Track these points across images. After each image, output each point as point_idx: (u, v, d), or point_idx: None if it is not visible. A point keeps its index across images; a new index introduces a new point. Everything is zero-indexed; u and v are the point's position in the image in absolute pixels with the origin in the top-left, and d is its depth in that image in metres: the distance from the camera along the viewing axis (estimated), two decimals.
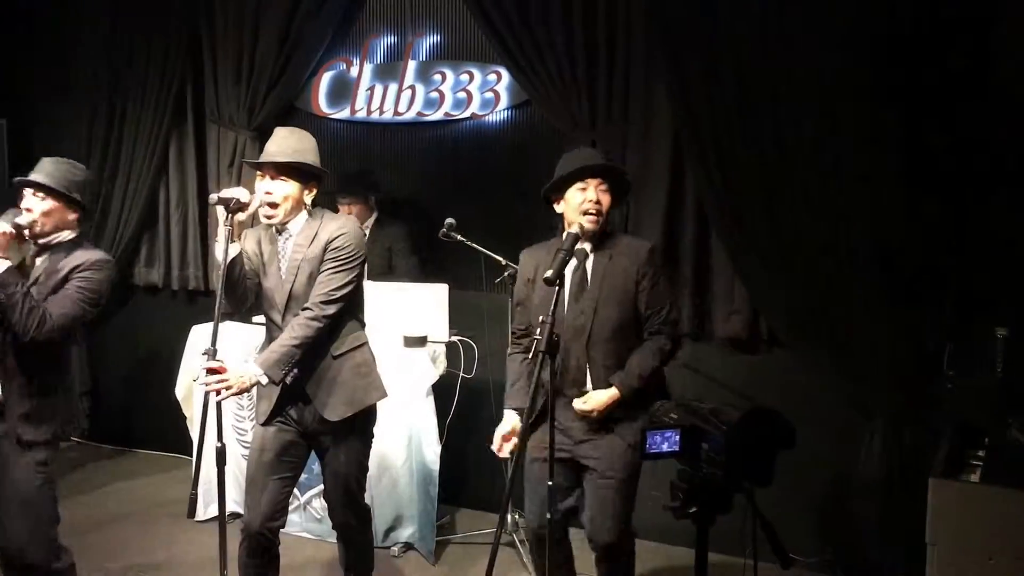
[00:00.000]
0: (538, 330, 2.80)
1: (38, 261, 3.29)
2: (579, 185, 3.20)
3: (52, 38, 5.88)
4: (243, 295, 3.27)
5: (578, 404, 3.16)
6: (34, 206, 3.24)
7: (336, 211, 4.43)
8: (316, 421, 3.29)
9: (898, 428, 3.96)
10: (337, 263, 3.20)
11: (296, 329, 3.16)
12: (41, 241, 3.28)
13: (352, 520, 3.47)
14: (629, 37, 4.42)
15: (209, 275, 5.63)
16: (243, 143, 5.34)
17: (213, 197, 3.13)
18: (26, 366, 3.21)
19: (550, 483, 2.81)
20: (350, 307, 3.32)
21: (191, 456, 4.97)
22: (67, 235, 3.30)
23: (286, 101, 5.23)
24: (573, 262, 3.12)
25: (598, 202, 3.18)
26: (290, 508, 4.41)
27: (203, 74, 5.47)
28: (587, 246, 3.21)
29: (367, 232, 4.78)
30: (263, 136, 5.20)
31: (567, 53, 4.49)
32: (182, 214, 5.66)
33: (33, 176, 3.27)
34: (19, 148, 5.88)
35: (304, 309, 3.19)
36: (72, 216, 3.32)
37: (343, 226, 3.27)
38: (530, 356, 2.79)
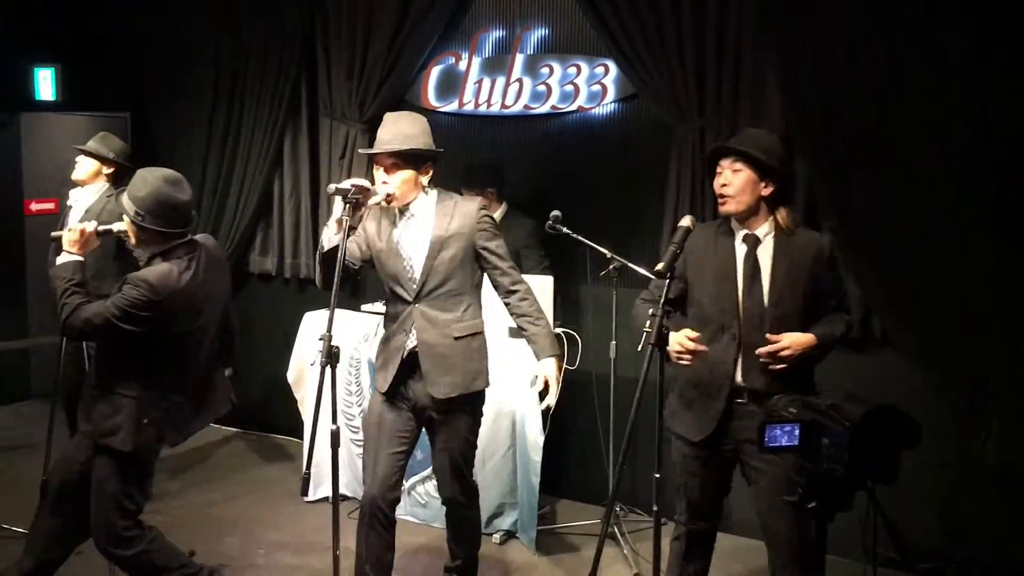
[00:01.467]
0: (647, 323, 2.80)
1: None
2: (718, 170, 3.10)
3: (174, 36, 6.14)
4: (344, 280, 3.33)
5: (765, 349, 2.94)
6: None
7: None
8: (426, 397, 3.41)
9: (1013, 430, 3.81)
10: (493, 232, 3.38)
11: (534, 309, 3.44)
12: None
13: (460, 495, 3.55)
14: (740, 26, 4.36)
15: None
16: (354, 135, 5.48)
17: (331, 188, 3.23)
18: (99, 375, 3.37)
19: (656, 475, 2.82)
20: (477, 293, 3.47)
21: (301, 438, 5.16)
22: (155, 250, 3.35)
23: (396, 95, 5.34)
24: (744, 249, 3.05)
25: (725, 185, 3.05)
26: None
27: (317, 70, 5.63)
28: (759, 233, 3.06)
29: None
30: (373, 129, 5.34)
31: (676, 44, 4.45)
32: (295, 205, 5.84)
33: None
34: (142, 141, 6.16)
35: (512, 290, 3.43)
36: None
37: (482, 206, 3.43)
38: (640, 348, 2.79)
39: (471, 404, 3.47)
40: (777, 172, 3.04)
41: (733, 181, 3.03)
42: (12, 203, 6.63)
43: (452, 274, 3.37)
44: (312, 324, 4.87)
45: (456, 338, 3.39)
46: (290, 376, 5.00)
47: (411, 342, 3.40)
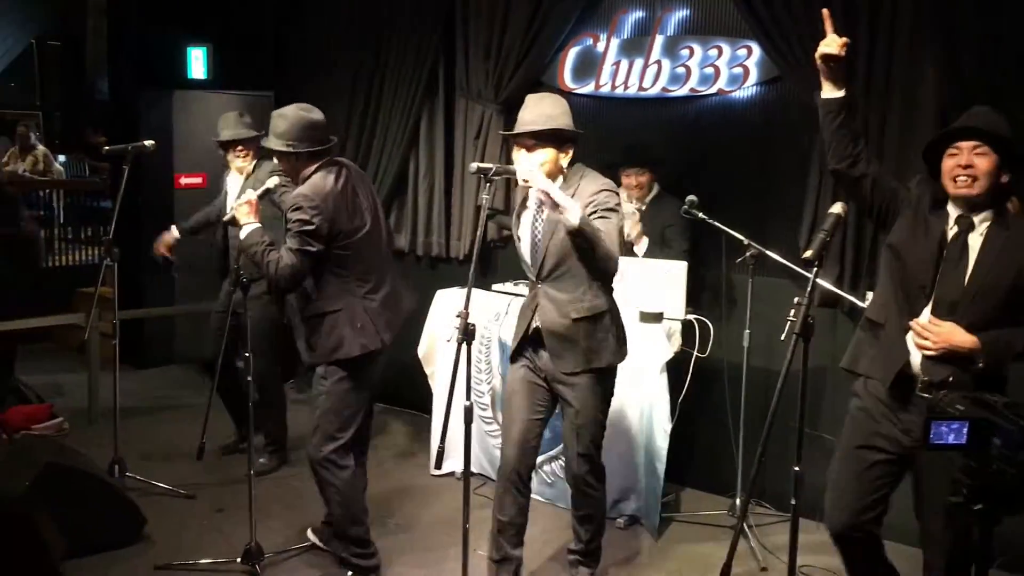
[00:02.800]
0: (791, 312, 2.73)
1: None
2: (950, 150, 2.88)
3: (319, 16, 6.31)
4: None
5: (916, 323, 2.83)
6: None
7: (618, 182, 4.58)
8: (554, 371, 3.47)
9: None
10: (599, 212, 3.28)
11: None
12: None
13: (587, 475, 3.56)
14: (895, 4, 4.17)
15: (451, 243, 5.89)
16: (489, 116, 5.52)
17: (473, 166, 3.27)
18: (302, 307, 3.68)
19: (796, 468, 2.75)
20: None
21: (428, 413, 5.27)
22: (306, 174, 3.66)
23: (532, 76, 5.34)
24: (954, 230, 2.86)
25: (968, 167, 2.82)
26: None
27: (455, 50, 5.70)
28: (976, 218, 2.86)
29: (644, 206, 4.77)
30: (509, 110, 5.40)
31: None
32: (429, 184, 5.93)
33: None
34: None
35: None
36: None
37: (604, 184, 3.36)
38: (783, 337, 2.72)
39: (597, 382, 3.47)
40: (1020, 160, 2.85)
41: (978, 164, 2.81)
42: (164, 177, 6.96)
43: (568, 255, 3.35)
44: (443, 302, 4.95)
45: (574, 319, 3.41)
46: (420, 351, 5.09)
47: (536, 321, 3.47)
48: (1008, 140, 2.81)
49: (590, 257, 3.22)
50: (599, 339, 3.44)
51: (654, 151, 4.81)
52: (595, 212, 3.27)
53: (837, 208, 2.87)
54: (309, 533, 4.13)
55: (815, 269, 2.72)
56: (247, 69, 6.88)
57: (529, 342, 3.53)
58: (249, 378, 3.71)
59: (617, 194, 3.38)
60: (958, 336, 2.77)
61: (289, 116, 3.64)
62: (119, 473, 4.55)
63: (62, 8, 10.87)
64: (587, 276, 3.39)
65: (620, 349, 3.51)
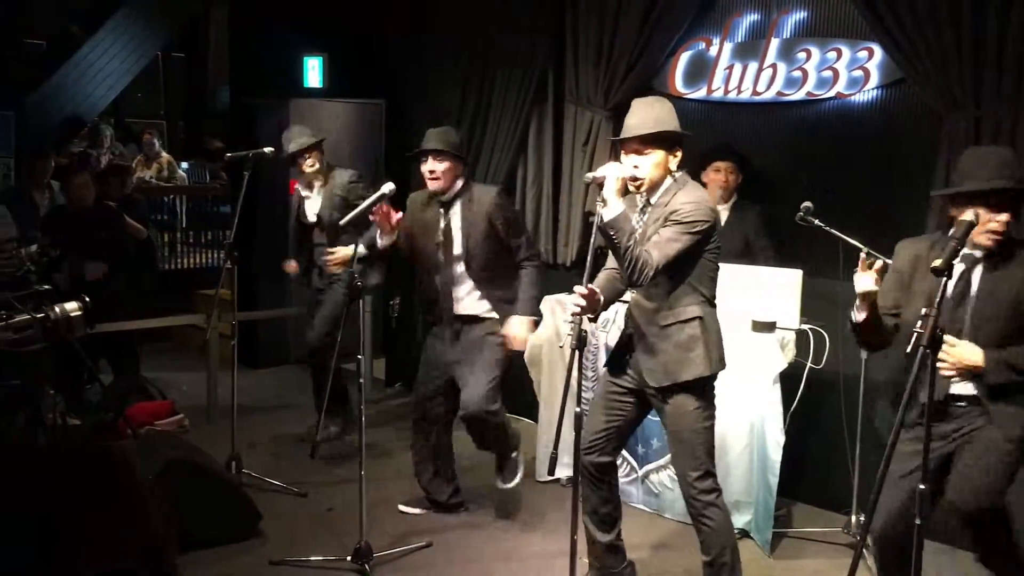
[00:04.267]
0: (918, 323, 2.62)
1: None
2: (980, 209, 2.93)
3: (428, 25, 6.41)
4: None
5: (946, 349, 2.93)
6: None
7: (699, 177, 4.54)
8: (644, 380, 3.43)
9: None
10: (677, 224, 3.22)
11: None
12: None
13: (693, 492, 3.43)
14: None
15: (558, 249, 5.89)
16: (599, 122, 5.50)
17: (587, 176, 3.26)
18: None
19: (922, 487, 2.63)
20: (688, 280, 3.34)
21: (532, 419, 5.27)
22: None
23: (643, 81, 5.30)
24: (960, 267, 2.93)
25: (1005, 224, 2.94)
26: (627, 479, 4.57)
27: (564, 56, 5.70)
28: (977, 253, 3.00)
29: (728, 211, 4.73)
30: (618, 116, 5.36)
31: (952, 24, 4.12)
32: (536, 190, 5.95)
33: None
34: (397, 127, 6.49)
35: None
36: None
37: (698, 198, 3.27)
38: (909, 349, 2.61)
39: (690, 393, 3.37)
40: None
41: (1001, 219, 2.93)
42: (279, 183, 7.18)
43: (667, 269, 3.25)
44: (550, 308, 4.94)
45: (662, 326, 3.35)
46: (526, 356, 5.09)
47: (629, 328, 3.46)
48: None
49: (618, 256, 3.19)
50: (686, 349, 3.34)
51: (741, 148, 4.81)
52: (667, 219, 3.24)
53: (969, 215, 2.74)
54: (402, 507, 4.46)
55: (944, 279, 2.60)
56: (359, 78, 7.04)
57: (624, 348, 3.51)
58: (361, 380, 3.78)
59: (706, 211, 3.27)
60: (967, 356, 2.96)
61: (444, 130, 4.19)
62: (236, 469, 4.70)
63: (186, 22, 11.35)
64: (681, 282, 3.33)
65: (712, 360, 3.38)
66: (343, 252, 4.93)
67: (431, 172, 4.13)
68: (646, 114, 3.32)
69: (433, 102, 6.36)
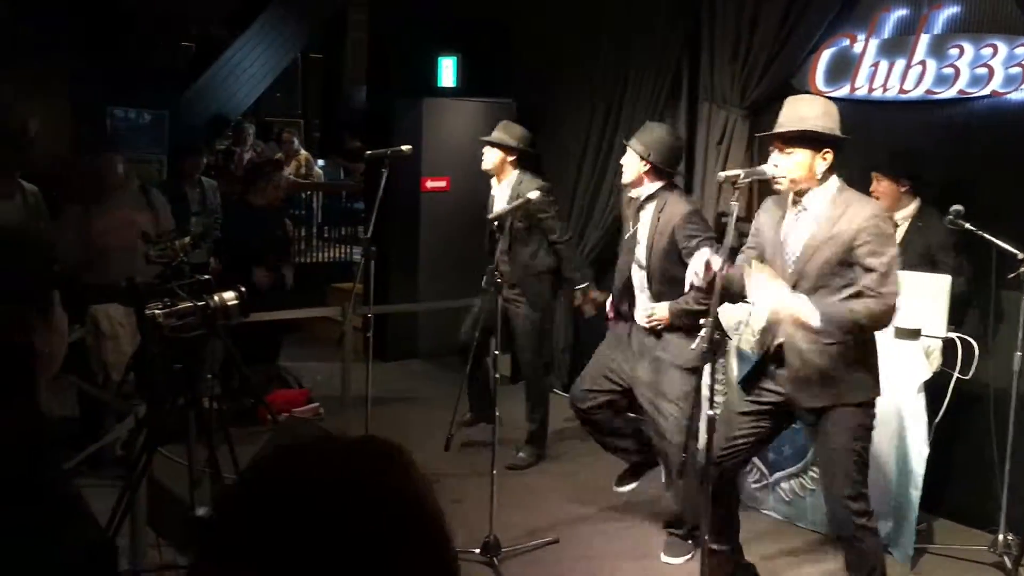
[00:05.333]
0: None
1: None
2: None
3: (560, 24, 6.43)
4: None
5: None
6: None
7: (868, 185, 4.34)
8: (795, 396, 3.30)
9: None
10: (877, 249, 3.10)
11: (860, 303, 3.12)
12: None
13: (846, 514, 3.27)
14: None
15: None
16: (733, 121, 5.41)
17: (721, 175, 3.22)
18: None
19: None
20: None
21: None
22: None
23: (781, 79, 5.18)
24: None
25: None
26: (758, 485, 4.48)
27: (700, 53, 5.63)
28: None
29: (907, 221, 4.47)
30: (755, 114, 5.27)
31: None
32: None
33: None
34: (527, 125, 6.53)
35: (866, 292, 3.11)
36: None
37: (876, 214, 3.16)
38: None
39: (851, 414, 3.24)
40: None
41: None
42: (412, 180, 7.35)
43: (825, 280, 3.18)
44: None
45: (827, 344, 3.21)
46: None
47: (778, 340, 3.31)
48: None
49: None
50: (853, 370, 3.23)
51: (913, 161, 4.49)
52: (866, 244, 3.10)
53: None
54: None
55: None
56: (491, 78, 7.13)
57: (771, 359, 3.36)
58: (496, 376, 3.84)
59: (889, 223, 3.20)
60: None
61: (659, 130, 4.08)
62: None
63: (325, 24, 11.76)
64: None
65: (877, 382, 3.27)
66: None
67: (620, 164, 4.17)
68: (794, 111, 3.25)
69: (564, 101, 6.39)
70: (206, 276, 3.19)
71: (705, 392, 3.21)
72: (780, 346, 3.31)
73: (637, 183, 4.03)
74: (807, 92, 5.03)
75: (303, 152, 10.87)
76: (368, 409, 4.91)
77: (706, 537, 3.40)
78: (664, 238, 3.94)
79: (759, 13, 5.20)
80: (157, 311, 2.85)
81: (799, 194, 3.26)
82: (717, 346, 3.11)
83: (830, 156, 3.21)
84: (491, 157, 5.06)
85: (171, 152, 7.99)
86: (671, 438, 3.95)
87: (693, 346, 3.44)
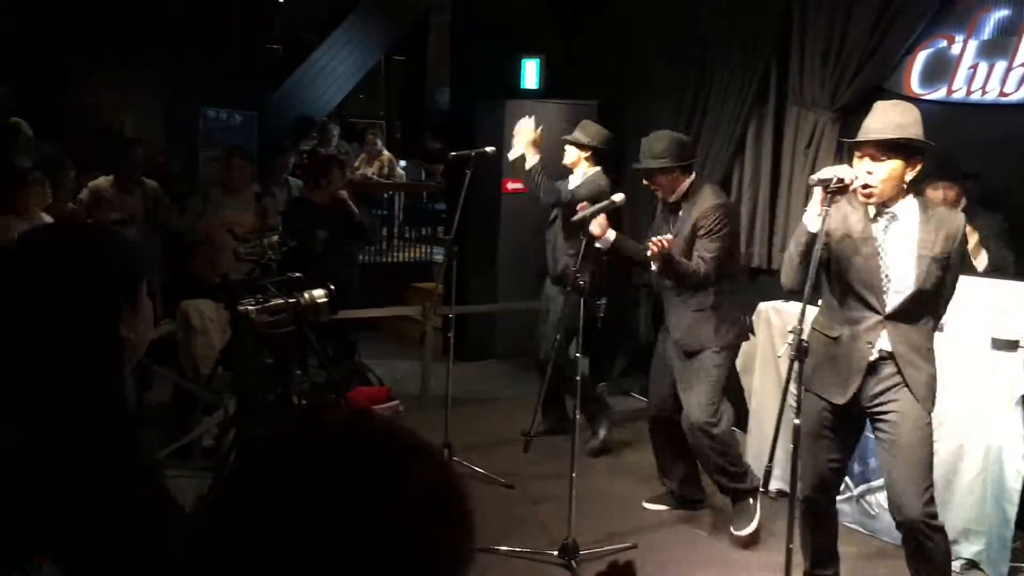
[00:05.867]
0: None
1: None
2: None
3: (644, 25, 6.38)
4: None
5: None
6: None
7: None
8: (875, 402, 3.27)
9: None
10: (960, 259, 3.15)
11: None
12: None
13: (921, 514, 3.20)
14: None
15: (773, 254, 5.72)
16: (823, 124, 5.29)
17: (813, 178, 3.16)
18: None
19: None
20: (943, 308, 3.34)
21: (742, 428, 5.14)
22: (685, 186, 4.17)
23: (874, 82, 5.06)
24: None
25: None
26: (841, 496, 4.36)
27: (788, 56, 5.52)
28: None
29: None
30: (844, 117, 5.15)
31: None
32: (753, 194, 5.81)
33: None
34: (609, 126, 6.50)
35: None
36: None
37: (962, 223, 3.19)
38: None
39: (927, 412, 3.24)
40: None
41: None
42: (492, 182, 7.38)
43: (931, 295, 3.19)
44: (764, 315, 4.80)
45: (929, 348, 3.24)
46: (738, 364, 4.98)
47: (874, 354, 3.23)
48: None
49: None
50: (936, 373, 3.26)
51: (966, 164, 4.49)
52: (956, 256, 3.15)
53: None
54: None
55: None
56: (573, 79, 7.12)
57: (867, 370, 3.28)
58: (578, 377, 3.83)
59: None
60: None
61: (662, 137, 4.17)
62: (448, 456, 4.88)
63: (409, 26, 11.91)
64: (935, 310, 3.27)
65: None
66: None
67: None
68: (888, 118, 3.16)
69: (647, 103, 6.34)
70: (297, 274, 3.26)
71: (791, 401, 3.13)
72: (874, 362, 3.25)
73: (671, 189, 4.20)
74: (901, 95, 4.92)
75: (386, 153, 11.02)
76: (448, 407, 4.96)
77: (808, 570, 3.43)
78: (688, 228, 4.11)
79: (852, 13, 5.08)
80: (250, 307, 2.93)
81: (884, 204, 3.18)
82: (803, 352, 3.05)
83: (919, 166, 3.14)
84: (570, 155, 5.17)
85: (260, 152, 8.20)
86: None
87: (780, 352, 3.37)
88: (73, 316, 1.26)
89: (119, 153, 5.85)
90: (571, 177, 5.20)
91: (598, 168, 5.10)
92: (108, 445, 1.25)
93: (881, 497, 4.29)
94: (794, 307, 4.66)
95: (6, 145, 6.66)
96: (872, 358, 3.24)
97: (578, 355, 3.85)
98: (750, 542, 4.20)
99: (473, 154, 4.83)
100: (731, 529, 4.27)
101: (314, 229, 5.80)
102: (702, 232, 4.05)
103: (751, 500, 4.23)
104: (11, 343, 1.27)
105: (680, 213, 4.17)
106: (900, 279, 3.17)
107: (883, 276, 3.20)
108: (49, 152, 6.68)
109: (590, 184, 5.00)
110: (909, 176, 3.15)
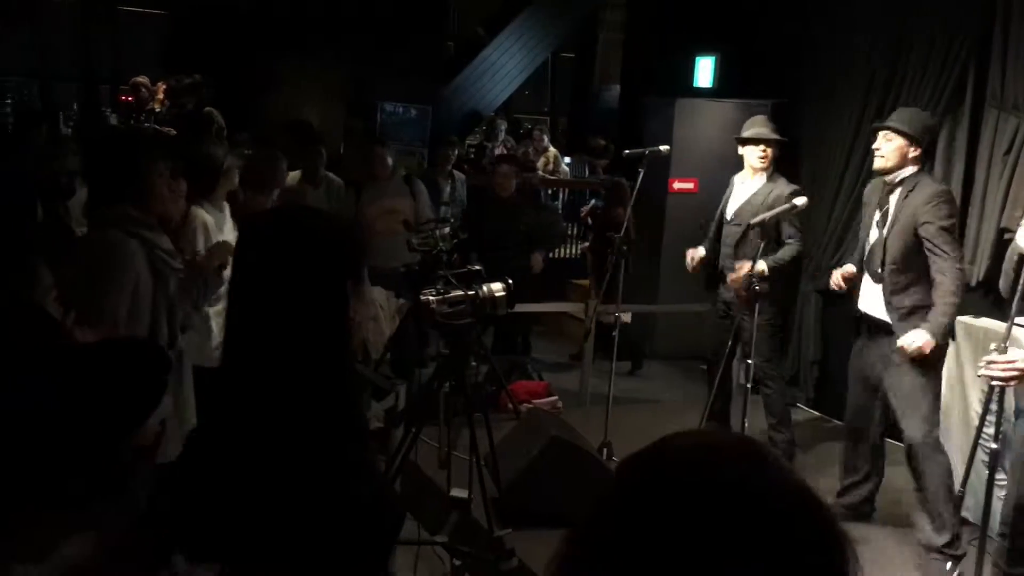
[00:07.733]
0: None
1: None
2: None
3: (831, 23, 6.12)
4: None
5: None
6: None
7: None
8: None
9: None
10: None
11: None
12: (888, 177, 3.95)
13: None
14: None
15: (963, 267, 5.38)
16: None
17: None
18: None
19: None
20: None
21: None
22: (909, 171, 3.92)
23: None
24: None
25: None
26: None
27: (989, 56, 5.17)
28: None
29: None
30: None
31: None
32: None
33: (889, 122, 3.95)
34: (784, 126, 6.27)
35: None
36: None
37: None
38: None
39: None
40: None
41: None
42: (659, 181, 7.27)
43: None
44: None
45: None
46: None
47: None
48: None
49: None
50: None
51: None
52: None
53: None
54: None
55: None
56: (748, 78, 6.92)
57: None
58: (748, 384, 3.73)
59: None
60: None
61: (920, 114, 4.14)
62: (607, 456, 4.85)
63: (579, 23, 11.93)
64: None
65: None
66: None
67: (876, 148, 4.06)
68: None
69: (827, 102, 6.09)
70: (477, 267, 3.31)
71: (987, 430, 2.94)
72: None
73: (898, 166, 3.97)
74: None
75: (551, 149, 11.08)
76: (609, 406, 4.93)
77: None
78: (906, 219, 3.87)
79: None
80: (431, 297, 2.99)
81: None
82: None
83: None
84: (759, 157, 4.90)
85: (431, 144, 8.43)
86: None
87: (979, 372, 3.15)
88: (317, 297, 1.32)
89: (306, 148, 6.13)
90: (742, 183, 4.97)
91: (775, 173, 4.89)
92: (340, 423, 1.30)
93: None
94: (985, 322, 4.41)
95: (200, 135, 7.09)
96: None
97: (749, 361, 3.73)
98: None
99: (647, 152, 4.77)
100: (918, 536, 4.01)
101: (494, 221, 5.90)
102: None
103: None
104: (265, 311, 1.34)
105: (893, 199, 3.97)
106: None
107: None
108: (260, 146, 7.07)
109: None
110: None
